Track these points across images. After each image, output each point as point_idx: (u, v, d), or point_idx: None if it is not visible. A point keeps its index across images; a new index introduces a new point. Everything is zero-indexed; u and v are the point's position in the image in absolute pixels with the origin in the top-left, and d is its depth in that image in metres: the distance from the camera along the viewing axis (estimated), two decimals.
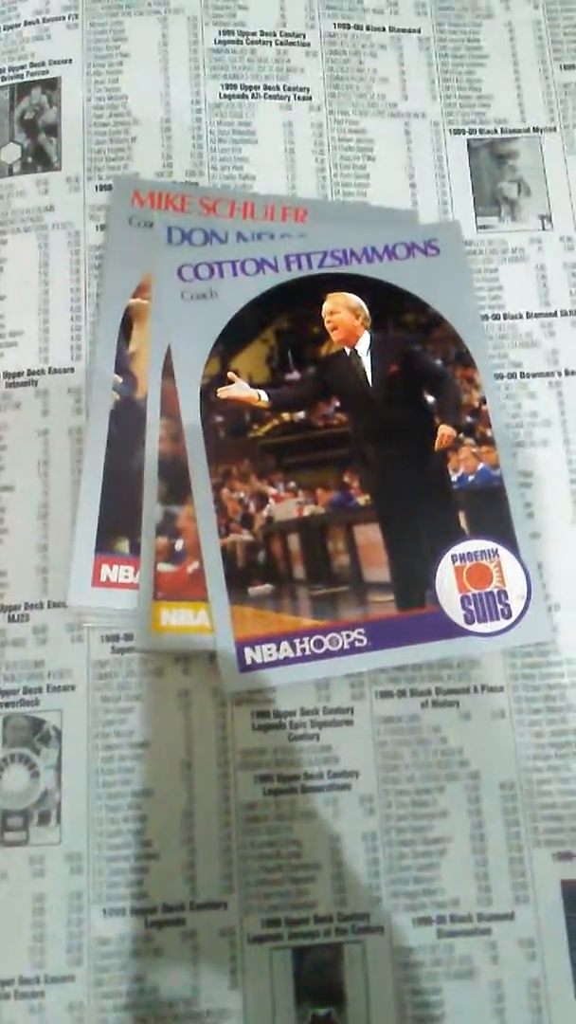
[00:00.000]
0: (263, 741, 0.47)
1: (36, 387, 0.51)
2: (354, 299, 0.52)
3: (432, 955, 0.44)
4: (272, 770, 0.46)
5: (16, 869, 0.45)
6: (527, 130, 0.58)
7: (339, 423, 0.50)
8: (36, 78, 0.57)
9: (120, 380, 0.50)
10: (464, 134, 0.57)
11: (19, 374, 0.51)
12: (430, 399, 0.51)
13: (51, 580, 0.48)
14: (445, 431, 0.50)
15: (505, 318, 0.54)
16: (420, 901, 0.45)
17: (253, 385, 0.50)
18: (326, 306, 0.51)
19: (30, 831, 0.45)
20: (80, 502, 0.48)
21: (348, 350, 0.51)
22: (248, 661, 0.46)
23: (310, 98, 0.57)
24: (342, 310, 0.51)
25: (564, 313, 0.54)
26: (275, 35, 0.58)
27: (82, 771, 0.46)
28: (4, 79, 0.57)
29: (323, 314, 0.51)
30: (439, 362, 0.51)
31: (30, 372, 0.51)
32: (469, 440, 0.50)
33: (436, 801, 0.46)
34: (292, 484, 0.49)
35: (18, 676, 0.47)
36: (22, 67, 0.57)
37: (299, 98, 0.57)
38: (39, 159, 0.55)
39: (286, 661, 0.46)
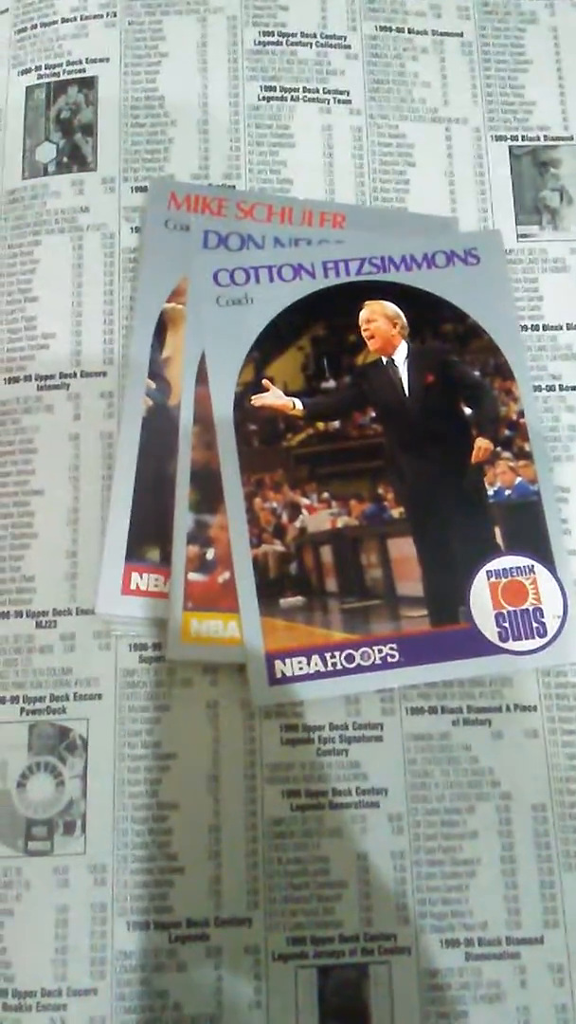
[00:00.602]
0: (291, 755, 0.46)
1: (68, 390, 0.51)
2: (392, 308, 0.51)
3: (459, 978, 0.44)
4: (300, 785, 0.46)
5: (40, 879, 0.44)
6: (570, 138, 0.57)
7: (374, 433, 0.49)
8: (73, 76, 0.56)
9: (153, 385, 0.49)
10: (506, 141, 0.56)
11: (51, 377, 0.51)
12: (467, 411, 0.50)
13: (80, 587, 0.48)
14: (482, 444, 0.49)
15: (545, 329, 0.53)
16: (448, 923, 0.44)
17: (288, 393, 0.49)
18: (363, 314, 0.51)
19: (55, 841, 0.44)
20: (111, 509, 0.47)
21: (385, 359, 0.51)
22: (278, 674, 0.46)
23: (350, 101, 0.56)
24: (379, 318, 0.51)
25: None
26: (316, 37, 0.57)
27: (108, 781, 0.45)
28: (40, 77, 0.56)
29: (360, 322, 0.51)
30: (477, 373, 0.50)
31: (62, 375, 0.51)
32: (506, 453, 0.49)
33: (466, 821, 0.46)
34: (326, 495, 0.48)
35: (45, 683, 0.46)
36: (59, 65, 0.57)
37: (339, 101, 0.56)
38: (75, 159, 0.55)
39: (316, 675, 0.46)
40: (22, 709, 0.46)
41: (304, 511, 0.48)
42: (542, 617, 0.47)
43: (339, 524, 0.48)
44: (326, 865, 0.45)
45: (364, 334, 0.51)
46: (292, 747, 0.46)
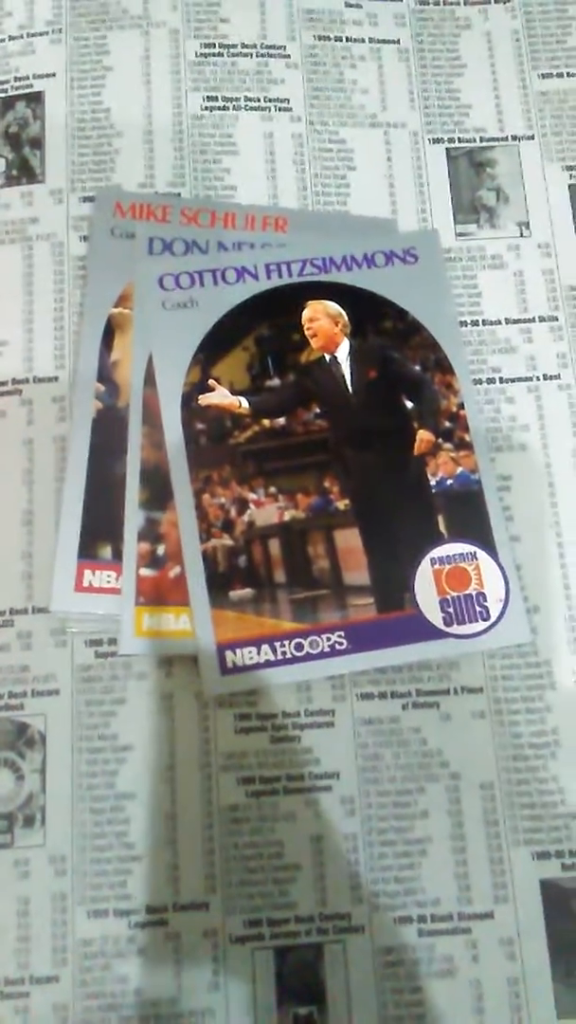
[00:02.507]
0: (245, 743, 0.47)
1: (21, 396, 0.52)
2: (333, 306, 0.52)
3: (413, 954, 0.45)
4: (254, 772, 0.47)
5: (1, 871, 0.45)
6: (505, 138, 0.58)
7: (319, 429, 0.51)
8: (20, 92, 0.58)
9: (103, 388, 0.51)
10: (443, 143, 0.58)
11: (3, 383, 0.52)
12: (409, 405, 0.51)
13: (36, 586, 0.49)
14: (424, 436, 0.51)
15: (484, 324, 0.55)
16: (401, 901, 0.45)
17: (234, 392, 0.51)
18: (306, 313, 0.52)
19: (15, 833, 0.46)
20: (63, 508, 0.49)
21: (328, 357, 0.52)
22: (229, 664, 0.47)
23: (291, 109, 0.58)
24: (322, 317, 0.52)
25: (542, 319, 0.55)
26: (256, 47, 0.59)
27: (66, 774, 0.46)
28: None
29: (303, 321, 0.52)
30: (418, 368, 0.52)
31: (15, 381, 0.52)
32: (448, 445, 0.51)
33: (417, 802, 0.47)
34: (273, 489, 0.50)
35: (3, 681, 0.48)
36: (6, 81, 0.58)
37: (280, 109, 0.58)
38: (24, 172, 0.56)
39: (267, 664, 0.47)
40: None
41: (252, 506, 0.49)
42: (485, 601, 0.48)
43: (286, 517, 0.50)
44: (281, 849, 0.46)
45: (307, 333, 0.52)
46: (246, 735, 0.47)
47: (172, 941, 0.44)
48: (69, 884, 0.45)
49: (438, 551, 0.49)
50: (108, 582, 0.48)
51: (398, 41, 0.60)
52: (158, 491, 0.49)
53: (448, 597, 0.48)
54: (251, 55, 0.59)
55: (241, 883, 0.45)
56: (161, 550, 0.48)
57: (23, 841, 0.46)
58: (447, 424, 0.51)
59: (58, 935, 0.44)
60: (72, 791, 0.46)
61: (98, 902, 0.45)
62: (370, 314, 0.53)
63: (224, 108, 0.58)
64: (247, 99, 0.58)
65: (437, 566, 0.49)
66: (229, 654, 0.47)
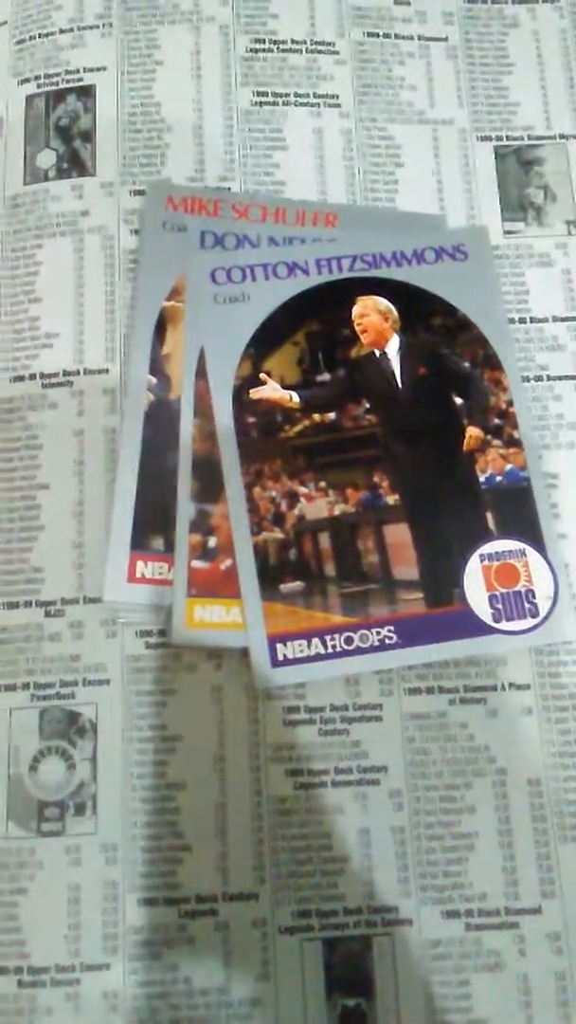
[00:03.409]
0: (294, 736, 0.47)
1: (72, 388, 0.52)
2: (383, 302, 0.53)
3: (460, 948, 0.45)
4: (303, 764, 0.47)
5: (53, 859, 0.45)
6: (553, 137, 0.59)
7: (369, 424, 0.51)
8: (71, 85, 0.58)
9: (154, 381, 0.51)
10: (491, 141, 0.58)
11: (55, 375, 0.53)
12: (458, 401, 0.52)
13: (87, 576, 0.49)
14: (473, 432, 0.51)
15: (532, 322, 0.55)
16: (448, 895, 0.46)
17: (284, 386, 0.51)
18: (356, 309, 0.52)
19: (66, 821, 0.46)
20: (115, 500, 0.49)
21: (378, 352, 0.52)
22: (280, 657, 0.47)
23: (339, 105, 0.58)
24: (372, 313, 0.52)
25: None
26: (306, 43, 0.59)
27: (117, 763, 0.47)
28: (40, 86, 0.58)
29: (353, 317, 0.52)
30: (467, 364, 0.52)
31: (66, 373, 0.53)
32: (497, 442, 0.51)
33: (464, 797, 0.47)
34: (323, 484, 0.50)
35: (55, 670, 0.48)
36: (57, 74, 0.58)
37: (329, 105, 0.58)
38: (74, 164, 0.56)
39: (317, 657, 0.47)
40: (33, 695, 0.48)
41: (302, 499, 0.50)
42: (534, 598, 0.48)
43: (336, 512, 0.50)
44: (329, 841, 0.46)
45: (357, 328, 0.52)
46: (294, 728, 0.48)
47: (221, 931, 0.45)
48: (120, 872, 0.45)
49: (487, 547, 0.49)
50: (160, 574, 0.48)
51: (446, 39, 0.60)
52: (209, 483, 0.49)
53: (497, 593, 0.48)
54: (301, 51, 0.59)
55: (290, 874, 0.46)
56: (212, 542, 0.48)
57: (75, 829, 0.46)
58: (496, 421, 0.51)
59: (109, 923, 0.45)
60: (123, 780, 0.46)
61: (148, 890, 0.45)
62: (419, 310, 0.53)
63: (274, 104, 0.58)
64: (296, 95, 0.58)
65: (486, 562, 0.49)
66: (280, 647, 0.47)
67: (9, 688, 0.48)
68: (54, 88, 0.58)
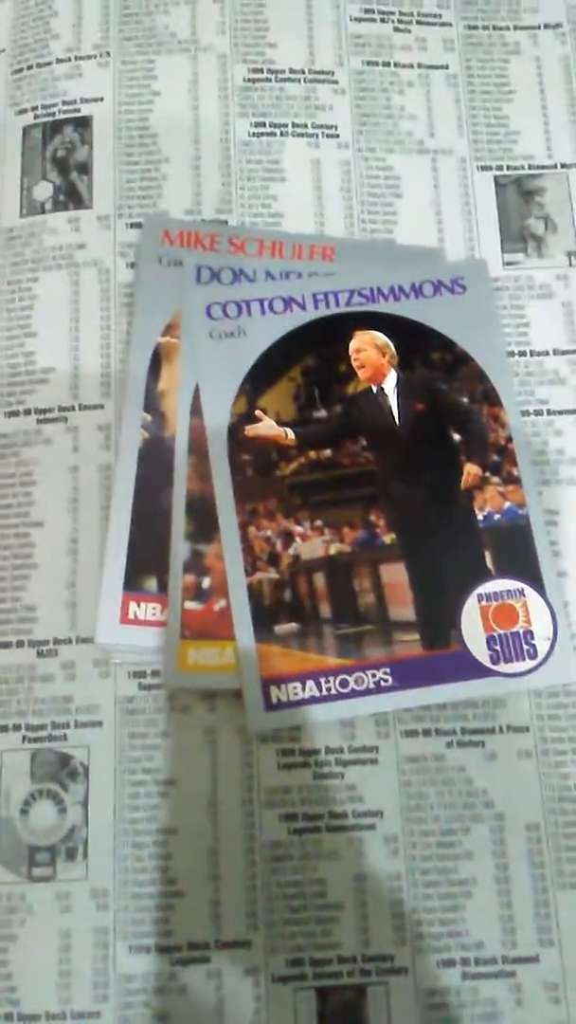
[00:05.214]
0: (288, 779, 0.47)
1: (66, 423, 0.52)
2: (381, 337, 0.52)
3: (456, 997, 0.44)
4: (297, 809, 0.46)
5: (43, 904, 0.45)
6: (554, 166, 0.58)
7: (366, 461, 0.50)
8: (68, 116, 0.58)
9: (149, 418, 0.51)
10: (491, 170, 0.58)
11: (49, 410, 0.52)
12: (456, 437, 0.51)
13: (80, 616, 0.49)
14: (471, 470, 0.50)
15: (532, 355, 0.54)
16: (445, 943, 0.45)
17: (280, 423, 0.51)
18: (353, 344, 0.52)
19: (57, 867, 0.45)
20: (108, 539, 0.48)
21: (375, 388, 0.52)
22: (274, 700, 0.46)
23: (338, 135, 0.58)
24: (369, 348, 0.52)
25: None
26: (304, 72, 0.59)
27: (108, 807, 0.46)
28: (37, 117, 0.58)
29: (350, 352, 0.52)
30: (465, 400, 0.52)
31: (60, 408, 0.52)
32: (495, 479, 0.50)
33: (461, 842, 0.46)
34: (318, 522, 0.49)
35: (46, 711, 0.47)
36: (54, 104, 0.58)
37: (327, 136, 0.58)
38: (71, 197, 0.56)
39: (312, 700, 0.47)
40: (24, 737, 0.47)
41: (297, 539, 0.49)
42: (532, 639, 0.48)
43: (332, 551, 0.49)
44: (323, 888, 0.45)
45: (354, 364, 0.52)
46: (289, 771, 0.47)
47: (214, 979, 0.44)
48: (111, 918, 0.45)
49: (485, 587, 0.48)
50: (153, 615, 0.47)
51: (447, 66, 0.60)
52: (204, 523, 0.49)
53: (495, 634, 0.48)
54: (299, 80, 0.59)
55: (284, 922, 0.45)
56: (206, 583, 0.48)
57: (65, 874, 0.45)
58: (495, 457, 0.51)
59: (99, 970, 0.44)
60: (114, 824, 0.46)
61: (140, 937, 0.45)
62: (418, 345, 0.52)
63: (272, 134, 0.57)
64: (295, 125, 0.58)
65: (484, 603, 0.48)
66: (274, 689, 0.47)
67: (1, 729, 0.47)
68: (51, 119, 0.58)
